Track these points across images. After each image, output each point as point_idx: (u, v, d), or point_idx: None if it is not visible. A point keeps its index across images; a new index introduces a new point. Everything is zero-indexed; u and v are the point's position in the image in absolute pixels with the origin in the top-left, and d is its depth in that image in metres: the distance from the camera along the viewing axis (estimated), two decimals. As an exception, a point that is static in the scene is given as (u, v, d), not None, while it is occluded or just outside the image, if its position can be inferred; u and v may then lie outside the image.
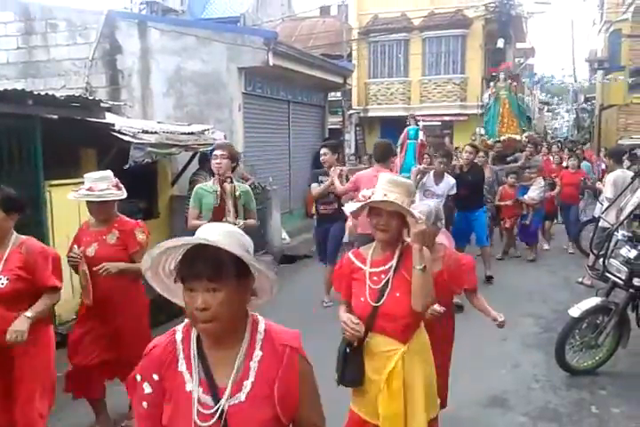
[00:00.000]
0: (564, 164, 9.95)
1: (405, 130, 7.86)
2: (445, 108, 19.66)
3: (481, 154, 8.60)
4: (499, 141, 11.27)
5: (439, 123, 19.77)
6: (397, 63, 20.87)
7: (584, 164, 10.81)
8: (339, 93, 17.01)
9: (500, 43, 17.73)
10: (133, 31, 9.22)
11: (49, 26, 9.51)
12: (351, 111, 20.51)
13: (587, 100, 32.43)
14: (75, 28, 9.43)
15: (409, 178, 5.56)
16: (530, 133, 12.27)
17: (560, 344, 4.38)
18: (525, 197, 8.50)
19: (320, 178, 6.21)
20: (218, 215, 4.65)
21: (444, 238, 3.32)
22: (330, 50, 19.20)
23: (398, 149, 7.48)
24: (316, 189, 6.17)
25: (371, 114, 21.28)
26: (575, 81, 33.31)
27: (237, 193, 4.71)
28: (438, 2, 20.08)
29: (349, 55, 20.16)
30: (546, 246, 9.38)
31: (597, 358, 4.53)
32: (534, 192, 8.49)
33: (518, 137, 11.46)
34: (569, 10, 66.07)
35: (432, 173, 6.51)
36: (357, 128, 21.36)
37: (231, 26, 10.84)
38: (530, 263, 8.40)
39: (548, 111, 55.05)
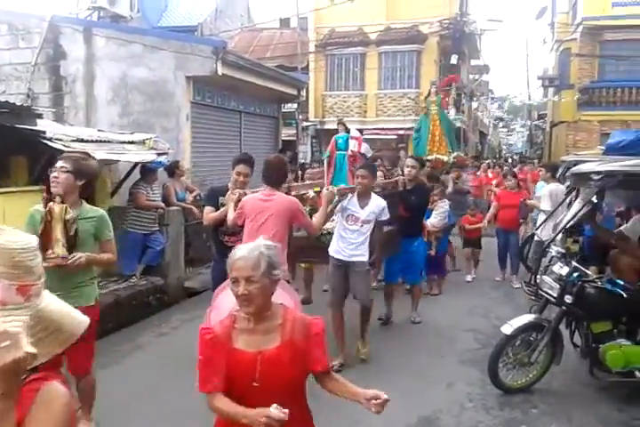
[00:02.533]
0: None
1: (333, 139, 6.41)
2: (401, 122, 19.83)
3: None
4: (428, 161, 9.92)
5: (395, 136, 19.93)
6: (354, 76, 21.00)
7: (543, 184, 9.33)
8: (295, 105, 17.00)
9: (454, 59, 18.05)
10: (78, 37, 8.98)
11: (-11, 29, 9.18)
12: (308, 123, 20.51)
13: (540, 116, 33.38)
14: (17, 32, 9.15)
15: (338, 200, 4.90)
16: (459, 154, 11.25)
17: (493, 362, 4.34)
18: (428, 222, 7.03)
19: (220, 199, 4.73)
20: (44, 245, 3.25)
21: (284, 296, 2.33)
22: (287, 61, 19.25)
23: (326, 162, 6.41)
24: (210, 214, 4.72)
25: (327, 126, 21.25)
26: (529, 98, 34.15)
27: (68, 217, 3.35)
28: (394, 17, 20.33)
29: (306, 67, 20.21)
30: (468, 278, 8.29)
31: (531, 375, 4.51)
32: (435, 218, 7.20)
33: (446, 158, 10.36)
34: (522, 28, 68.11)
35: (356, 193, 4.99)
36: (314, 140, 21.36)
37: (179, 34, 10.66)
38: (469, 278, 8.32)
39: (503, 127, 56.43)
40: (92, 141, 6.42)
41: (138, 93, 8.98)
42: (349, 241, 4.92)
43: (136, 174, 7.49)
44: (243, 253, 2.04)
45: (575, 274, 4.35)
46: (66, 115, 9.20)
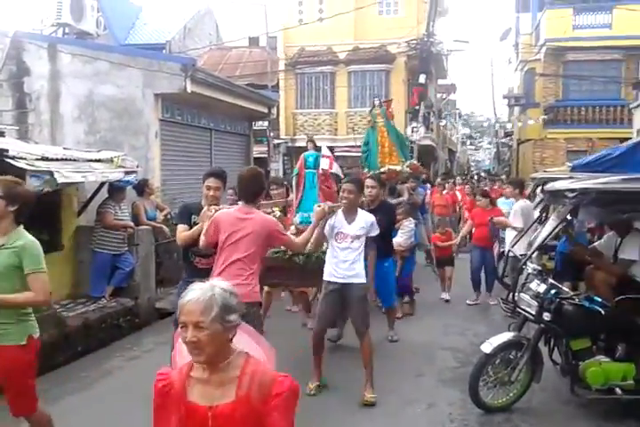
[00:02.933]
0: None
1: (302, 156, 6.08)
2: (371, 139, 19.93)
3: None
4: (382, 173, 9.52)
5: (365, 154, 19.99)
6: (324, 95, 21.12)
7: (505, 201, 9.03)
8: (266, 123, 16.96)
9: (422, 78, 18.23)
10: (43, 53, 8.79)
11: (-51, 44, 8.92)
12: (279, 141, 20.48)
13: (506, 134, 34.04)
14: (-22, 48, 8.88)
15: (308, 222, 4.74)
16: (412, 162, 10.78)
17: (474, 381, 4.26)
18: (394, 241, 6.65)
19: (193, 217, 4.34)
20: None
21: (254, 346, 1.98)
22: (257, 79, 19.24)
23: (294, 181, 6.03)
24: (183, 232, 4.32)
25: (298, 144, 21.26)
26: (495, 116, 34.85)
27: None
28: (362, 37, 20.57)
29: (277, 85, 20.24)
30: (445, 296, 8.07)
31: (512, 394, 4.44)
32: (401, 237, 6.94)
33: (399, 168, 9.95)
34: (487, 49, 69.93)
35: (341, 209, 4.72)
36: (285, 157, 21.32)
37: (147, 51, 10.55)
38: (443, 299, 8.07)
39: (470, 144, 57.52)
40: (58, 160, 6.22)
41: (105, 111, 8.81)
42: (342, 259, 4.60)
43: (104, 193, 7.30)
44: (193, 295, 1.80)
45: (552, 291, 4.32)
46: (30, 132, 8.95)
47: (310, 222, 4.61)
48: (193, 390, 1.85)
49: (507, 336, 4.36)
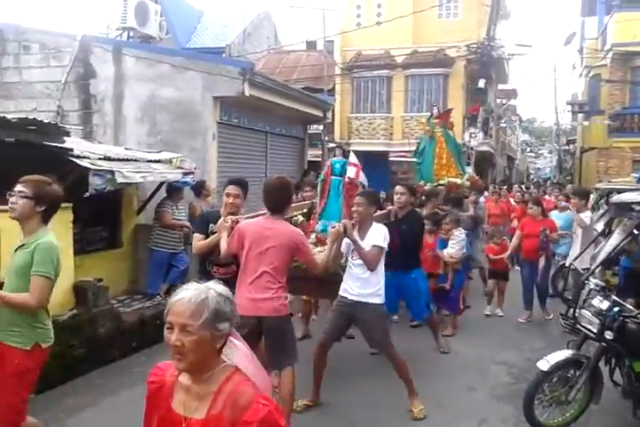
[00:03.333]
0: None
1: (329, 162, 5.80)
2: (427, 144, 19.70)
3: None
4: (440, 185, 9.31)
5: (421, 159, 19.77)
6: (380, 99, 21.02)
7: (558, 214, 8.28)
8: (321, 126, 17.01)
9: (482, 83, 17.91)
10: (108, 56, 9.07)
11: (22, 48, 9.32)
12: (333, 144, 20.51)
13: (568, 142, 33.00)
14: (48, 51, 9.25)
15: (324, 231, 4.53)
16: (471, 175, 10.34)
17: (528, 399, 4.10)
18: (444, 252, 6.59)
19: (211, 226, 4.31)
20: None
21: (240, 356, 1.74)
22: (313, 83, 19.32)
23: (319, 187, 5.71)
24: (199, 242, 4.34)
25: (353, 148, 21.23)
26: (557, 123, 33.82)
27: None
28: (421, 41, 20.38)
29: (332, 89, 20.27)
30: (497, 311, 7.63)
31: (568, 414, 4.25)
32: (453, 248, 6.61)
33: (459, 180, 9.67)
34: (550, 53, 68.04)
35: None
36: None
37: (207, 55, 10.73)
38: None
39: (530, 152, 56.04)
40: (119, 160, 6.40)
41: (166, 113, 9.01)
42: (356, 276, 4.38)
43: (162, 193, 7.46)
44: (184, 294, 1.65)
45: (616, 309, 4.11)
46: (95, 133, 9.25)
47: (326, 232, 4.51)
48: (177, 395, 1.73)
49: (565, 354, 4.17)
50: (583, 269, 5.11)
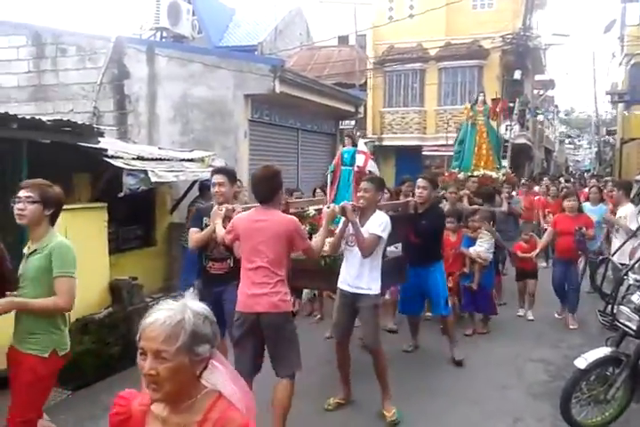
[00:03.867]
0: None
1: (339, 152, 5.64)
2: (462, 138, 19.44)
3: (451, 189, 7.35)
4: (472, 176, 9.12)
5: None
6: (413, 93, 20.80)
7: (591, 207, 7.67)
8: (353, 122, 16.93)
9: (517, 74, 17.58)
10: (141, 57, 9.22)
11: (59, 50, 9.56)
12: (365, 140, 20.39)
13: (608, 133, 32.10)
14: (84, 53, 9.47)
15: (338, 222, 4.33)
16: (508, 172, 10.06)
17: (566, 398, 3.99)
18: (471, 250, 6.35)
19: (204, 219, 4.33)
20: None
21: (223, 379, 1.56)
22: (345, 78, 19.25)
23: (329, 178, 5.60)
24: (195, 234, 4.34)
25: (386, 143, 21.14)
26: (597, 113, 32.92)
27: None
28: (454, 32, 20.06)
29: (364, 84, 20.15)
30: (527, 315, 7.09)
31: (607, 413, 4.13)
32: (481, 247, 6.36)
33: (494, 174, 9.35)
34: (589, 42, 66.16)
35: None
36: (372, 157, 21.20)
37: (238, 53, 10.80)
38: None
39: (569, 144, 54.73)
40: (153, 159, 6.50)
41: (198, 112, 9.11)
42: (352, 266, 4.24)
43: (195, 191, 7.54)
44: (157, 316, 1.46)
45: (657, 304, 3.98)
46: (129, 133, 9.43)
47: (339, 223, 4.34)
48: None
49: (604, 351, 4.05)
50: (621, 264, 4.94)
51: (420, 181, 5.32)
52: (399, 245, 5.56)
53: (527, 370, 5.32)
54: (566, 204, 6.74)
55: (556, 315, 7.06)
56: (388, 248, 5.18)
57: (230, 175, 4.45)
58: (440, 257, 5.51)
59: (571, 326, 6.63)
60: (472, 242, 6.44)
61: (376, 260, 4.22)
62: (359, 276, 4.18)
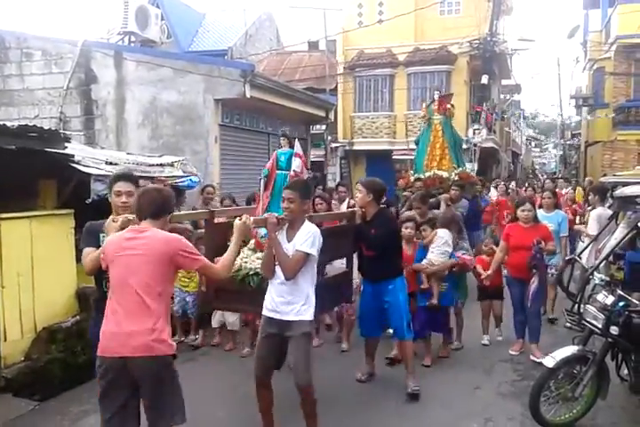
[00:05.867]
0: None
1: (274, 154, 4.88)
2: (431, 142, 19.65)
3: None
4: (419, 180, 8.61)
5: (425, 157, 19.72)
6: (382, 98, 20.97)
7: (546, 214, 6.64)
8: (324, 126, 17.00)
9: (485, 79, 17.86)
10: (109, 61, 9.13)
11: (24, 55, 9.41)
12: (336, 144, 20.49)
13: (573, 136, 32.82)
14: (50, 58, 9.34)
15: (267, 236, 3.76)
16: (463, 170, 9.20)
17: (534, 396, 4.06)
18: (424, 261, 5.37)
19: (102, 236, 3.39)
20: None
21: None
22: (316, 83, 19.33)
23: (262, 183, 4.75)
24: (89, 255, 3.39)
25: (356, 147, 21.27)
26: (561, 117, 33.64)
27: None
28: (423, 38, 20.32)
29: (335, 89, 20.26)
30: (485, 340, 6.11)
31: (575, 410, 4.21)
32: (433, 252, 5.41)
33: (445, 174, 8.74)
34: (553, 47, 67.67)
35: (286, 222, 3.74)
36: (343, 161, 21.32)
37: (208, 57, 10.77)
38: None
39: (535, 147, 55.78)
40: (121, 164, 6.42)
41: (167, 116, 9.05)
42: (278, 289, 3.66)
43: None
44: None
45: (621, 303, 4.07)
46: (97, 138, 9.31)
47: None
48: None
49: (571, 350, 4.13)
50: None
51: (357, 186, 4.78)
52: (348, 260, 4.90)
53: (496, 370, 5.39)
54: (520, 213, 5.71)
55: (511, 351, 5.78)
56: (336, 263, 4.88)
57: (137, 182, 3.68)
58: (400, 271, 4.83)
59: (537, 360, 5.21)
60: (427, 251, 5.50)
61: (307, 280, 3.66)
62: (287, 300, 3.63)
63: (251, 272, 4.13)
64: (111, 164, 6.19)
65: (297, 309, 3.61)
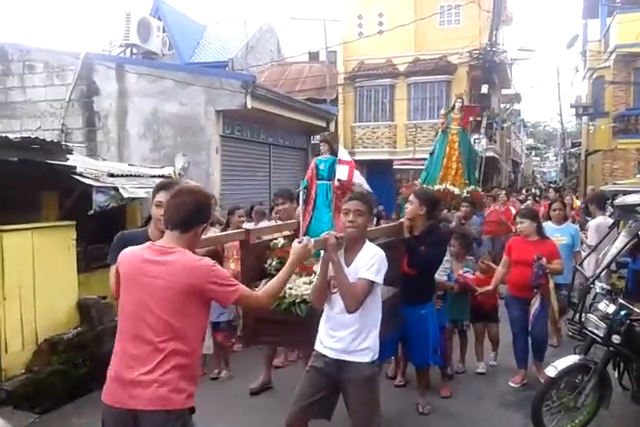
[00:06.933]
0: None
1: (312, 162, 4.45)
2: (432, 152, 19.70)
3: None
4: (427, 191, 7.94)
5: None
6: (383, 108, 21.06)
7: (556, 227, 6.23)
8: (324, 137, 17.04)
9: (485, 89, 17.93)
10: (111, 73, 9.20)
11: (26, 67, 9.49)
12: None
13: (573, 145, 32.89)
14: (52, 70, 9.42)
15: (317, 255, 3.30)
16: (475, 189, 8.72)
17: (536, 407, 4.05)
18: None
19: None
20: None
21: None
22: (316, 94, 19.41)
23: (302, 196, 3.85)
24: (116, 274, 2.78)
25: (357, 157, 21.26)
26: (562, 126, 33.72)
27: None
28: (422, 48, 20.44)
29: (335, 99, 20.35)
30: (480, 369, 5.51)
31: (577, 420, 4.19)
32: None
33: (457, 191, 8.28)
34: (553, 57, 68.05)
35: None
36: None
37: (209, 69, 10.85)
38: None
39: (535, 156, 55.91)
40: (123, 176, 6.46)
41: (169, 128, 9.10)
42: (338, 322, 3.02)
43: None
44: None
45: (622, 312, 4.07)
46: (99, 149, 9.36)
47: (319, 256, 3.13)
48: None
49: (572, 359, 4.12)
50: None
51: (410, 196, 4.33)
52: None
53: (499, 380, 5.38)
54: (519, 226, 5.26)
55: (511, 384, 5.18)
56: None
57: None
58: (432, 296, 4.45)
59: (541, 378, 4.79)
60: None
61: (372, 312, 3.04)
62: (351, 338, 2.99)
63: (297, 300, 3.61)
64: (113, 175, 6.23)
65: (358, 345, 3.00)
